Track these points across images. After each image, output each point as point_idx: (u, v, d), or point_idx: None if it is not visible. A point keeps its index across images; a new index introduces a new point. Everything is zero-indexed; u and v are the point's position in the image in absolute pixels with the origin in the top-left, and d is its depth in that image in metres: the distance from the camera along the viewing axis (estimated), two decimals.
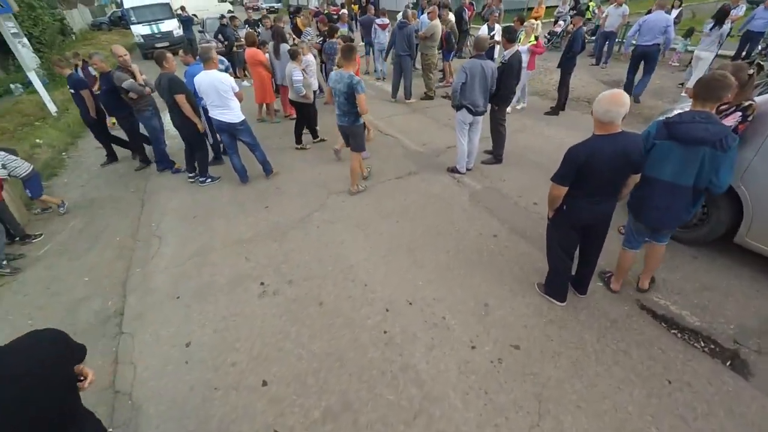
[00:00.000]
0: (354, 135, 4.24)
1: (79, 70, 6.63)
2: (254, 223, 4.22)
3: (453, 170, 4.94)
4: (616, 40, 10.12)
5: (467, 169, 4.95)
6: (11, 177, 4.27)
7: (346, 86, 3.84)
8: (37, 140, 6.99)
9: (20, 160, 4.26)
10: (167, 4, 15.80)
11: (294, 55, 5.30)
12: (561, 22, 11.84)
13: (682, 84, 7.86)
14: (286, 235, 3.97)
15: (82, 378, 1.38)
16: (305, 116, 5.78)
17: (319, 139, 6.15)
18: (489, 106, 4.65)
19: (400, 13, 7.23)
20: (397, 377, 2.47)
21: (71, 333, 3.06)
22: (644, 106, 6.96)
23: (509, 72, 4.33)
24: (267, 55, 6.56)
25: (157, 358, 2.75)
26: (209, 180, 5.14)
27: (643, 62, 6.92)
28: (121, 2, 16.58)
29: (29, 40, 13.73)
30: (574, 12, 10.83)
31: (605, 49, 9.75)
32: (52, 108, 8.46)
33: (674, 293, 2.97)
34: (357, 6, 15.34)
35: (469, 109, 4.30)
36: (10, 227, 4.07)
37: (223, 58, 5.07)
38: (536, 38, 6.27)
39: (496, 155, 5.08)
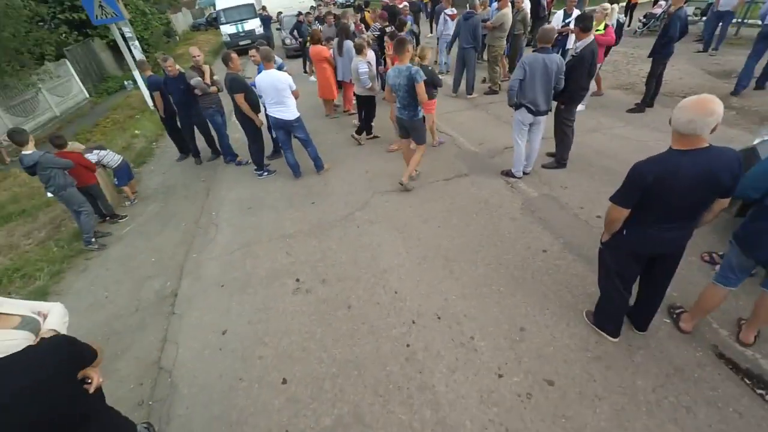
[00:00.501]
0: (414, 129, 4.24)
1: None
2: (300, 219, 4.36)
3: (508, 174, 4.57)
4: (733, 20, 8.43)
5: (524, 173, 4.53)
6: (106, 167, 4.97)
7: (407, 78, 3.83)
8: (136, 131, 8.08)
9: (112, 153, 4.93)
10: (252, 5, 17.05)
11: (359, 49, 5.39)
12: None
13: None
14: (327, 233, 4.03)
15: (89, 381, 1.46)
16: (368, 109, 5.87)
17: (372, 135, 6.15)
18: (554, 104, 4.20)
19: (468, 3, 6.84)
20: (413, 396, 2.36)
21: (134, 309, 3.49)
22: (761, 102, 5.70)
23: (580, 66, 3.81)
24: (331, 51, 6.73)
25: (197, 341, 2.99)
26: (266, 173, 5.45)
27: None
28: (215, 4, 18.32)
29: (140, 43, 15.95)
30: None
31: (717, 32, 8.19)
32: (150, 103, 9.68)
33: (767, 342, 2.39)
34: None
35: (529, 108, 3.91)
36: (103, 207, 4.75)
37: (278, 58, 5.31)
38: (606, 27, 5.43)
39: (559, 159, 4.57)
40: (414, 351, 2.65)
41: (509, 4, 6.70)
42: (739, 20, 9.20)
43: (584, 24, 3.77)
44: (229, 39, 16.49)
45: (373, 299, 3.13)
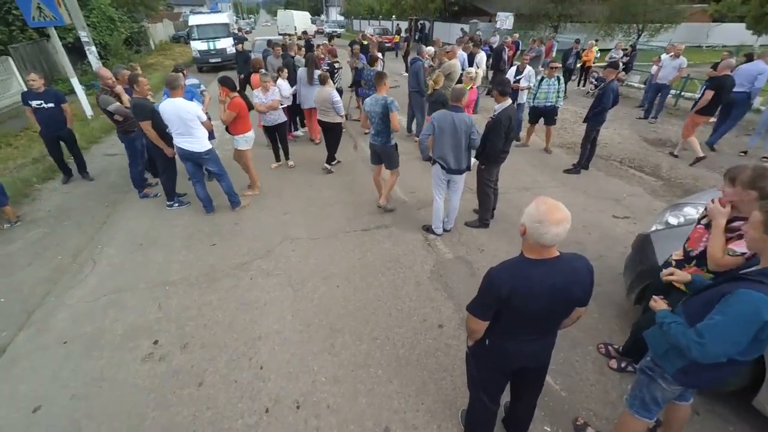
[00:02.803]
0: (386, 154, 4.42)
1: None
2: (191, 263, 3.88)
3: (428, 229, 4.33)
4: (671, 92, 8.97)
5: (445, 230, 4.31)
6: None
7: (382, 107, 4.10)
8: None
9: None
10: (226, 24, 16.99)
11: (324, 80, 5.49)
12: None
13: (745, 152, 6.63)
14: (213, 284, 3.57)
15: None
16: (335, 136, 5.85)
17: (329, 168, 5.98)
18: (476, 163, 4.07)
19: (417, 50, 6.88)
20: None
21: None
22: (687, 175, 5.86)
23: (496, 128, 3.69)
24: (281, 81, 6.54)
25: None
26: (177, 204, 4.97)
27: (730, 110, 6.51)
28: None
29: (102, 48, 15.31)
30: (610, 61, 9.90)
31: (656, 102, 8.65)
32: (88, 111, 9.07)
33: None
34: (398, 37, 15.34)
35: (441, 165, 3.74)
36: None
37: (194, 81, 5.08)
38: (470, 87, 5.88)
39: (481, 219, 4.39)
40: None
41: (457, 55, 6.77)
42: (678, 93, 9.83)
43: (502, 88, 3.68)
44: (198, 55, 16.20)
45: (233, 375, 2.67)
